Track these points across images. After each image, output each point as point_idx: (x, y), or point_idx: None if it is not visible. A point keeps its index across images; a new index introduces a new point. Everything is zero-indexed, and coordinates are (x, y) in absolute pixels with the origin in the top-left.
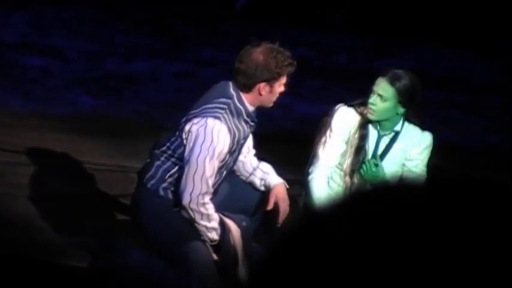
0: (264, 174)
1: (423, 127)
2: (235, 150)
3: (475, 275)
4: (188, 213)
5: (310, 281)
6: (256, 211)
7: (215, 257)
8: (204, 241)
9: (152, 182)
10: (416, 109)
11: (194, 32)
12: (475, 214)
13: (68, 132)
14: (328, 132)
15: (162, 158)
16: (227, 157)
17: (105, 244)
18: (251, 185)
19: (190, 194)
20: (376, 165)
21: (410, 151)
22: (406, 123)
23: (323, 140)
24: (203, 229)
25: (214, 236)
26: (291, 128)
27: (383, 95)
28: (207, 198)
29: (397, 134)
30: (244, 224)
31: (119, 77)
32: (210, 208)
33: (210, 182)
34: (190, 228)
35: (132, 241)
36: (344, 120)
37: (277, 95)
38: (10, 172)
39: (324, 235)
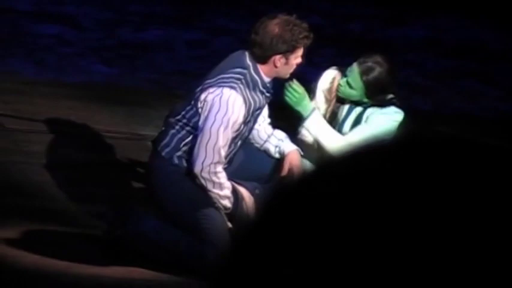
0: (279, 142)
1: (399, 107)
2: (250, 120)
3: (464, 234)
4: (200, 181)
5: (298, 245)
6: (270, 179)
7: (229, 224)
8: (218, 209)
9: (167, 150)
10: (395, 91)
11: (208, 0)
12: (445, 173)
13: (82, 100)
14: (316, 96)
15: (177, 127)
16: (242, 127)
17: (120, 212)
18: (265, 152)
19: (202, 163)
20: (295, 90)
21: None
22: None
23: (313, 102)
24: (216, 197)
25: (227, 203)
26: None
27: (351, 84)
28: (219, 168)
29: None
30: (257, 191)
31: (132, 45)
32: (222, 177)
33: (223, 151)
34: (204, 196)
35: (147, 209)
36: (326, 82)
37: (294, 66)
38: (24, 140)
39: (301, 200)
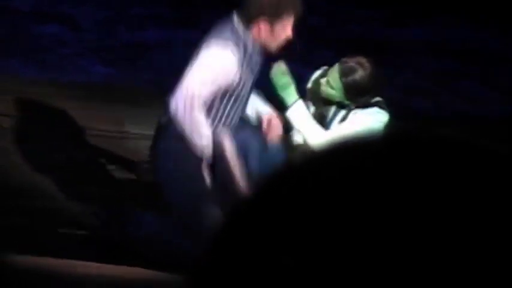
0: (258, 107)
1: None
2: (245, 81)
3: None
4: (177, 122)
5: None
6: None
7: None
8: (218, 206)
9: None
10: (379, 94)
11: (206, 1)
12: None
13: (81, 100)
14: (306, 96)
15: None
16: (236, 85)
17: (116, 212)
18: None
19: (184, 99)
20: (283, 74)
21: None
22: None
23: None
24: (192, 141)
25: (202, 149)
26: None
27: (331, 84)
28: (197, 103)
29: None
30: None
31: (131, 46)
32: (200, 119)
33: (206, 91)
34: (204, 186)
35: (146, 209)
36: (313, 82)
37: (281, 39)
38: (23, 140)
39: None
